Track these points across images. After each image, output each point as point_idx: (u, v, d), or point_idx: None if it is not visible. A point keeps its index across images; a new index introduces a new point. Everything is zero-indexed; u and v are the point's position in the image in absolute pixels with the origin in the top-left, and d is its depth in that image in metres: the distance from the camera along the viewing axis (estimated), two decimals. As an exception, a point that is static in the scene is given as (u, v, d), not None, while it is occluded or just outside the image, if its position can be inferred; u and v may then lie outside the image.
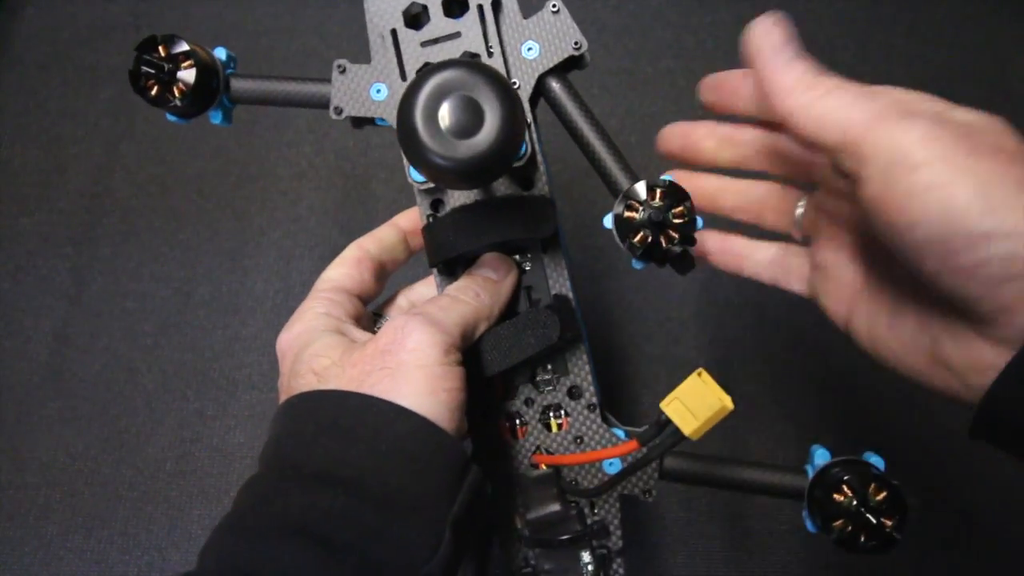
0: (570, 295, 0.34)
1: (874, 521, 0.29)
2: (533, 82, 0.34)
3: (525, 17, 0.34)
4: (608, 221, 0.30)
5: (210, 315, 0.58)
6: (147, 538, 0.52)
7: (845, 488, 0.30)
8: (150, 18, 0.68)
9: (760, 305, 0.55)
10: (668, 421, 0.29)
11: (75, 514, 0.53)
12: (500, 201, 0.33)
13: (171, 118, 0.36)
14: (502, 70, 0.33)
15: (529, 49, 0.34)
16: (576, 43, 0.33)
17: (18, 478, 0.54)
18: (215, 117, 0.37)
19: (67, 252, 0.61)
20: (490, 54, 0.34)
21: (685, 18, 0.64)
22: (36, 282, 0.60)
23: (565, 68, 0.34)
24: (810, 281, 0.35)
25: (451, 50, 0.34)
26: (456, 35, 0.34)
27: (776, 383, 0.53)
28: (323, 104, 0.36)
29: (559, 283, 0.35)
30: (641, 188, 0.29)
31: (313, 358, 0.29)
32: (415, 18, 0.35)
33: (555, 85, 0.34)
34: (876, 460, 0.31)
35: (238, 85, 0.37)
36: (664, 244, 0.29)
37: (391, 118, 0.34)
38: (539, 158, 0.34)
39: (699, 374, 0.29)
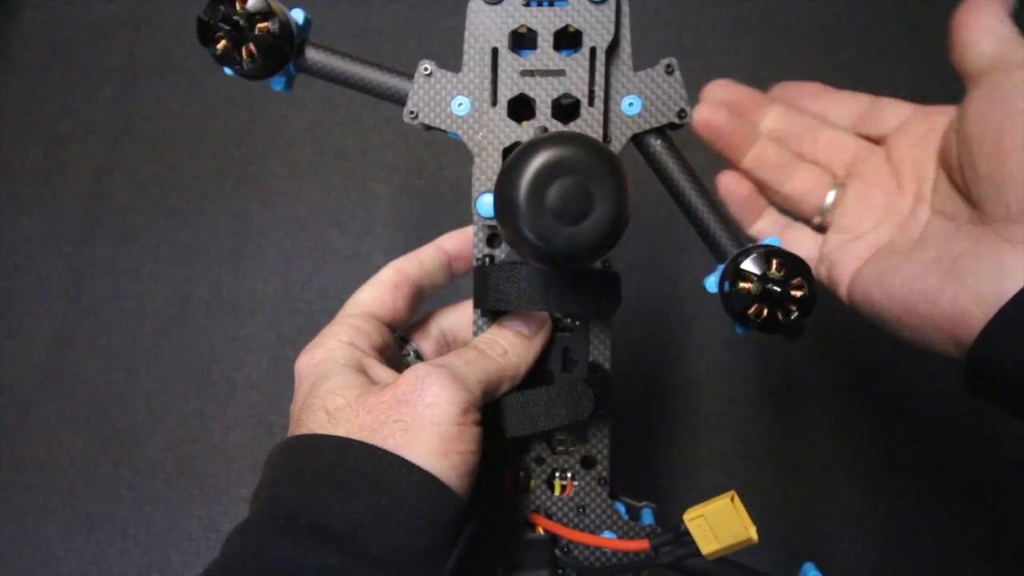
0: (607, 365, 0.32)
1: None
2: (625, 140, 0.32)
3: (635, 69, 0.32)
4: (711, 285, 0.29)
5: (210, 315, 0.58)
6: (147, 538, 0.52)
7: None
8: (150, 18, 0.68)
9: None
10: (686, 533, 0.28)
11: (75, 514, 0.53)
12: (551, 274, 0.30)
13: (228, 72, 0.34)
14: (599, 122, 0.31)
15: (631, 104, 0.32)
16: (681, 111, 0.31)
17: (18, 478, 0.54)
18: (276, 83, 0.34)
19: (67, 252, 0.61)
20: (591, 101, 0.31)
21: (685, 18, 0.64)
22: (36, 282, 0.60)
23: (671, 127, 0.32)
24: (824, 246, 0.35)
25: (551, 88, 0.31)
26: (560, 73, 0.31)
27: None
28: (398, 100, 0.33)
29: (600, 352, 0.32)
30: (755, 262, 0.28)
31: (328, 395, 0.28)
32: (519, 40, 0.32)
33: (655, 143, 0.32)
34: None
35: (312, 56, 0.34)
36: (781, 318, 0.28)
37: (467, 136, 0.33)
38: None
39: (731, 499, 0.28)
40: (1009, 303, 0.25)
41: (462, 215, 0.63)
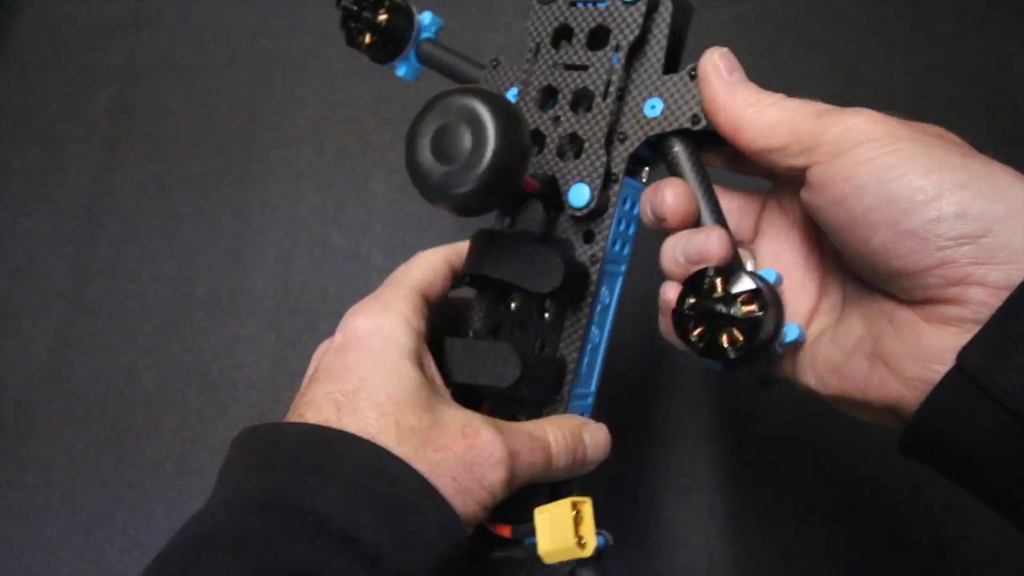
0: (571, 364, 0.32)
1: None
2: (640, 140, 0.32)
3: (673, 71, 0.32)
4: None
5: (210, 315, 0.58)
6: (147, 538, 0.52)
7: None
8: (150, 17, 0.68)
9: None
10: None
11: (75, 514, 0.53)
12: (517, 241, 0.32)
13: (365, 54, 0.38)
14: (607, 116, 0.32)
15: (652, 106, 0.32)
16: (695, 117, 0.31)
17: (18, 478, 0.54)
18: (399, 69, 0.38)
19: (67, 252, 0.61)
20: (604, 96, 0.32)
21: (685, 18, 0.64)
22: (36, 282, 0.60)
23: (694, 139, 0.32)
24: None
25: (572, 80, 0.33)
26: (584, 67, 0.33)
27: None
28: None
29: (569, 347, 0.33)
30: (699, 276, 0.27)
31: (402, 408, 0.27)
32: (559, 36, 0.35)
33: (674, 147, 0.32)
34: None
35: (426, 48, 0.38)
36: (724, 343, 0.26)
37: None
38: (611, 221, 0.33)
39: (572, 504, 0.26)
40: (938, 386, 0.24)
41: (462, 216, 0.62)
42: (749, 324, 0.26)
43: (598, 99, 0.33)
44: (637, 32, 0.32)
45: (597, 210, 0.32)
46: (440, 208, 0.26)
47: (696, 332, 0.27)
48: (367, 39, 0.37)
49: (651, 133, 0.32)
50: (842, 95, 0.62)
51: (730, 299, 0.26)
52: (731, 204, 0.33)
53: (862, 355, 0.27)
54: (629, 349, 0.54)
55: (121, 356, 0.57)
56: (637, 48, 0.33)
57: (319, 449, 0.26)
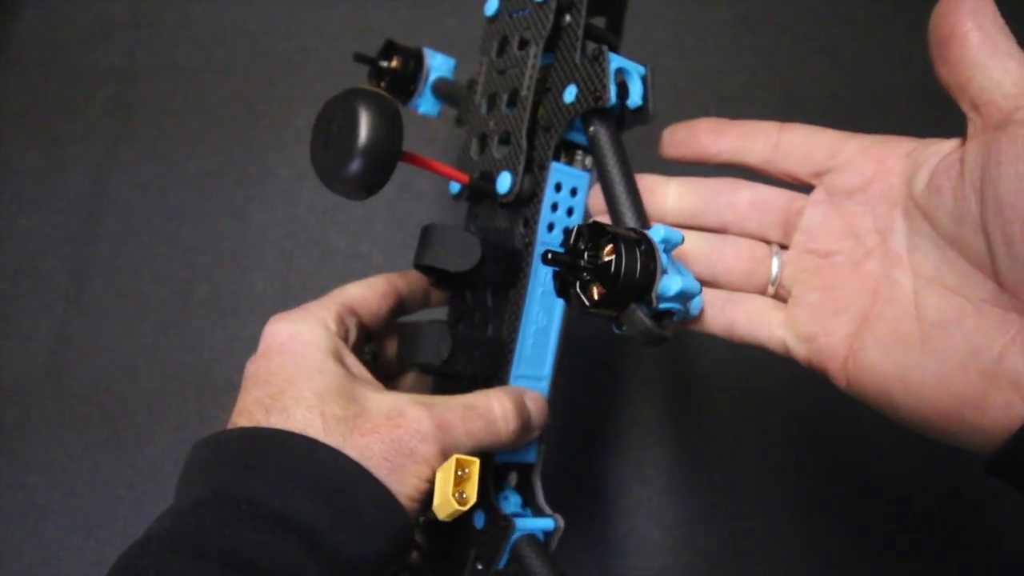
0: (509, 344, 0.34)
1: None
2: (563, 127, 0.34)
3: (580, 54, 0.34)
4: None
5: (210, 315, 0.58)
6: (147, 538, 0.52)
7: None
8: (150, 18, 0.68)
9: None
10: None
11: (75, 514, 0.53)
12: (439, 230, 0.34)
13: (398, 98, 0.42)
14: (528, 109, 0.35)
15: (569, 93, 0.34)
16: (605, 97, 0.32)
17: (18, 478, 0.54)
18: (419, 107, 0.43)
19: (67, 252, 0.61)
20: (527, 91, 0.35)
21: (685, 18, 0.64)
22: (36, 282, 0.60)
23: (614, 119, 0.33)
24: (795, 324, 0.30)
25: (502, 82, 0.37)
26: (512, 68, 0.36)
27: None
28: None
29: (509, 328, 0.34)
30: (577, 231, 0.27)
31: (327, 399, 0.28)
32: (502, 47, 0.38)
33: (592, 128, 0.33)
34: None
35: (440, 86, 0.42)
36: (576, 286, 0.27)
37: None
38: (540, 206, 0.34)
39: (459, 462, 0.28)
40: None
41: (462, 216, 0.63)
42: (605, 271, 0.26)
43: (523, 94, 0.35)
44: (547, 29, 0.34)
45: (525, 196, 0.34)
46: (339, 193, 0.30)
47: (561, 282, 0.27)
48: (383, 85, 0.41)
49: (568, 117, 0.33)
50: (842, 95, 0.62)
51: (593, 248, 0.26)
52: (773, 195, 0.32)
53: (977, 371, 0.25)
54: (629, 349, 0.54)
55: (121, 356, 0.57)
56: (553, 42, 0.35)
57: (251, 448, 0.27)
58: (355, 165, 0.28)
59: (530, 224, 0.34)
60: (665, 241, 0.27)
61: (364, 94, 0.29)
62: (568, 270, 0.27)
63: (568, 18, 0.34)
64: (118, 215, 0.61)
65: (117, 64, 0.66)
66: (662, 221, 0.33)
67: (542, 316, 0.35)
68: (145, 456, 0.54)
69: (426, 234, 0.34)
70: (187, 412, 0.55)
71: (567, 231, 0.28)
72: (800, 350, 0.30)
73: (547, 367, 0.36)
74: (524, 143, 0.34)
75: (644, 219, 0.31)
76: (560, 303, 0.35)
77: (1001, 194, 0.24)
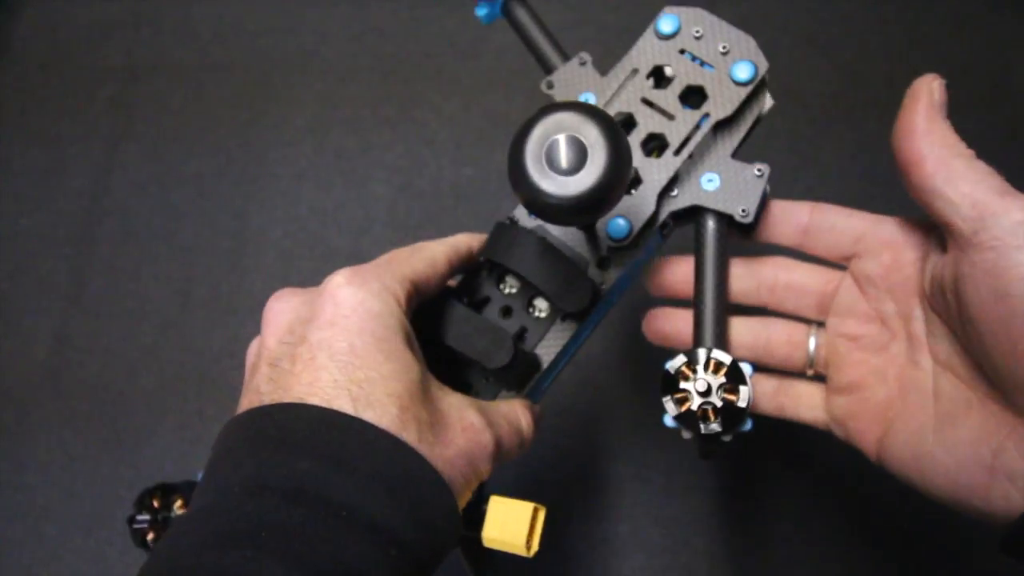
0: (544, 366, 0.34)
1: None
2: (686, 204, 0.34)
3: (734, 155, 0.34)
4: (668, 365, 0.31)
5: (210, 315, 0.58)
6: (147, 538, 0.52)
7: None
8: (150, 18, 0.68)
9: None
10: (484, 510, 0.29)
11: (75, 514, 0.53)
12: (555, 251, 0.32)
13: None
14: (670, 172, 0.33)
15: (710, 180, 0.33)
16: (744, 211, 0.33)
17: (18, 478, 0.54)
18: (480, 8, 0.38)
19: (67, 252, 0.61)
20: (676, 152, 0.34)
21: (685, 18, 0.64)
22: (36, 282, 0.60)
23: (730, 223, 0.33)
24: (831, 407, 0.33)
25: (654, 123, 0.34)
26: (671, 116, 0.34)
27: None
28: (546, 68, 0.37)
29: (548, 351, 0.34)
30: (702, 353, 0.30)
31: (416, 403, 0.26)
32: (660, 78, 0.35)
33: (710, 223, 0.33)
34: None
35: (514, 8, 0.37)
36: (701, 418, 0.29)
37: None
38: (631, 261, 0.34)
39: (535, 509, 0.29)
40: None
41: (462, 215, 0.63)
42: (729, 411, 0.29)
43: (670, 151, 0.33)
44: (732, 112, 0.33)
45: (627, 247, 0.34)
46: (536, 214, 0.28)
47: (684, 406, 0.30)
48: None
49: (699, 203, 0.33)
50: (842, 95, 0.62)
51: (721, 385, 0.29)
52: (808, 277, 0.34)
53: (979, 464, 0.27)
54: (629, 351, 0.54)
55: (121, 356, 0.57)
56: (723, 123, 0.34)
57: (342, 440, 0.24)
58: (581, 199, 0.26)
59: (610, 269, 0.34)
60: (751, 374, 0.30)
61: (611, 127, 0.26)
62: (696, 397, 0.29)
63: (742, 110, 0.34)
64: (118, 215, 0.61)
65: (117, 64, 0.66)
66: None
67: (572, 346, 0.35)
68: (145, 456, 0.54)
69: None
70: (187, 412, 0.55)
71: (720, 363, 0.30)
72: (838, 431, 0.33)
73: (548, 383, 0.36)
74: (654, 204, 0.33)
75: (727, 342, 0.32)
76: (586, 335, 0.35)
77: (970, 311, 0.26)
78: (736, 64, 0.33)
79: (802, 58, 0.62)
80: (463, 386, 0.34)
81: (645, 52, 0.35)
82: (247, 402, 0.26)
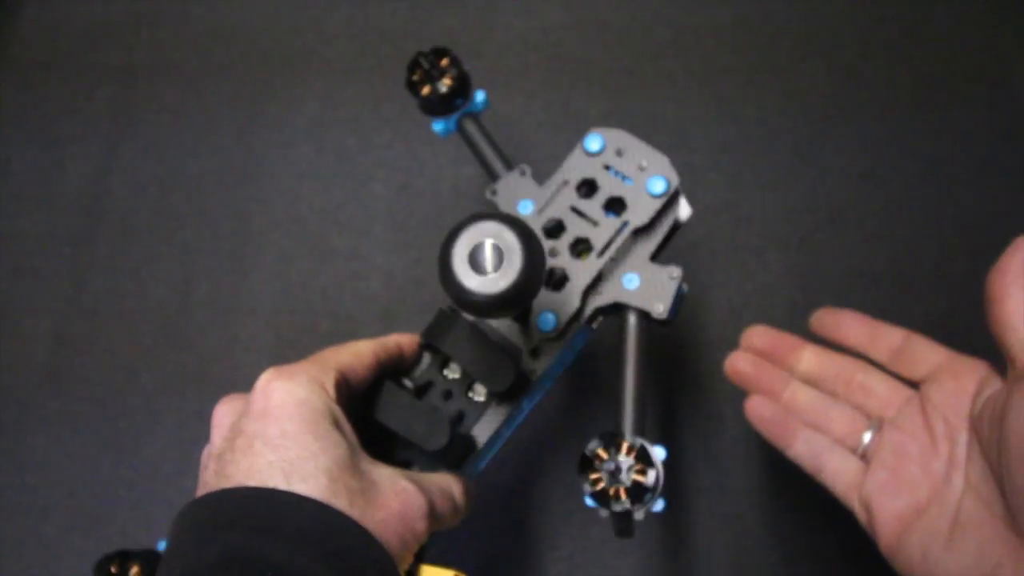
0: (479, 447, 0.37)
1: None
2: (609, 301, 0.38)
3: (654, 258, 0.38)
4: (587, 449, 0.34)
5: (210, 315, 0.58)
6: (147, 538, 0.52)
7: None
8: (150, 18, 0.68)
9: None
10: None
11: (75, 514, 0.53)
12: (484, 336, 0.36)
13: (415, 99, 0.43)
14: (592, 273, 0.38)
15: (630, 279, 0.38)
16: (661, 311, 0.37)
17: (18, 478, 0.54)
18: (437, 124, 0.44)
19: (67, 252, 0.61)
20: (599, 254, 0.38)
21: (685, 18, 0.64)
22: (36, 282, 0.60)
23: (648, 318, 0.38)
24: (864, 495, 0.37)
25: (580, 228, 0.39)
26: (594, 223, 0.39)
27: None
28: (491, 176, 0.42)
29: (482, 432, 0.37)
30: (616, 437, 0.34)
31: (345, 473, 0.28)
32: (589, 188, 0.40)
33: (631, 318, 0.38)
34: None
35: (467, 124, 0.43)
36: (613, 497, 0.32)
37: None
38: (560, 351, 0.38)
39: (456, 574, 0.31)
40: None
41: (462, 215, 0.63)
42: (637, 490, 0.32)
43: (593, 254, 0.38)
44: (648, 221, 0.38)
45: (554, 338, 0.38)
46: (463, 308, 0.31)
47: (598, 485, 0.33)
48: (424, 91, 0.41)
49: (620, 300, 0.38)
50: (842, 95, 0.62)
51: (631, 466, 0.33)
52: (882, 385, 0.39)
53: (977, 574, 0.31)
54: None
55: (121, 356, 0.57)
56: (641, 230, 0.38)
57: (275, 510, 0.27)
58: (501, 296, 0.29)
59: (541, 358, 0.38)
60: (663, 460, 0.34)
61: (527, 236, 0.30)
62: (608, 478, 0.33)
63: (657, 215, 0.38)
64: (118, 215, 0.61)
65: (117, 64, 0.66)
66: (791, 376, 0.41)
67: (507, 430, 0.38)
68: (145, 456, 0.54)
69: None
70: (187, 412, 0.55)
71: (616, 441, 0.33)
72: (862, 515, 0.37)
73: (484, 463, 0.39)
74: (579, 301, 0.38)
75: (644, 429, 0.36)
76: (521, 418, 0.39)
77: (1006, 431, 0.30)
78: (651, 179, 0.38)
79: (802, 58, 0.62)
80: (403, 463, 0.36)
81: (574, 167, 0.40)
82: (197, 495, 0.29)
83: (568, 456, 0.52)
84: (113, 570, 0.41)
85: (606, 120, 0.60)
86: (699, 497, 0.51)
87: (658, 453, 0.34)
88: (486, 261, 0.29)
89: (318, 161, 0.62)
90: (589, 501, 0.33)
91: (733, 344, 0.43)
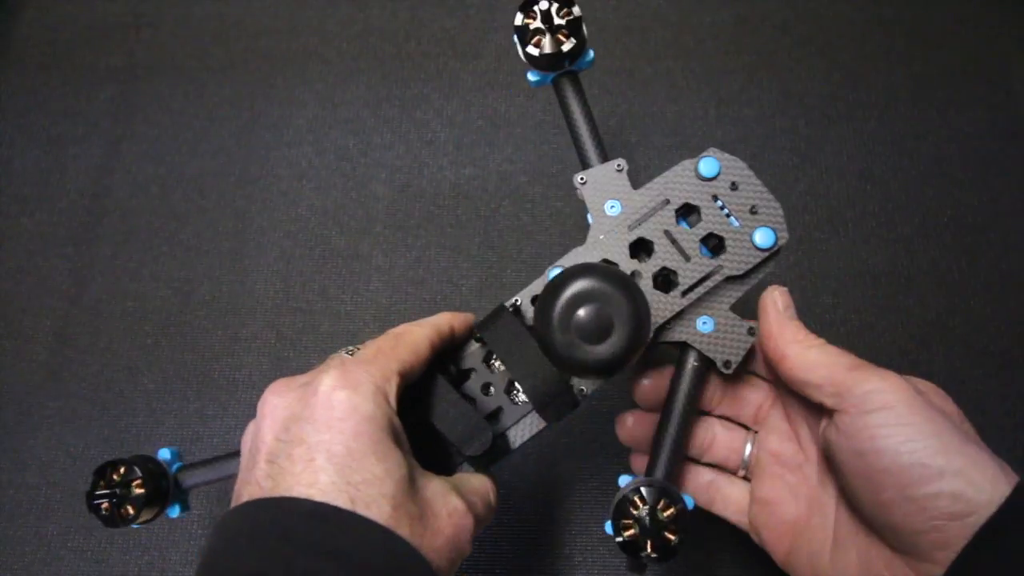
0: (512, 449, 0.36)
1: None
2: (677, 339, 0.36)
3: (731, 308, 0.36)
4: (621, 481, 0.34)
5: (210, 315, 0.58)
6: (147, 538, 0.52)
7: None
8: (150, 18, 0.68)
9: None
10: None
11: (75, 514, 0.53)
12: (539, 356, 0.34)
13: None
14: (673, 310, 0.35)
15: (704, 323, 0.35)
16: (727, 363, 0.35)
17: (18, 478, 0.54)
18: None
19: (67, 252, 0.61)
20: (683, 293, 0.35)
21: (685, 18, 0.64)
22: (36, 282, 0.60)
23: (709, 365, 0.36)
24: (750, 514, 0.38)
25: (670, 257, 0.35)
26: (686, 257, 0.35)
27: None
28: (583, 162, 0.39)
29: (516, 436, 0.36)
30: (655, 490, 0.33)
31: (407, 498, 0.28)
32: (687, 211, 0.36)
33: (691, 361, 0.36)
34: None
35: (563, 83, 0.38)
36: (640, 546, 0.32)
37: (595, 227, 0.36)
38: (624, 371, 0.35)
39: None
40: None
41: (462, 215, 0.63)
42: (666, 546, 0.32)
43: (677, 291, 0.35)
44: (744, 272, 0.35)
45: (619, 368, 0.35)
46: (579, 375, 0.31)
47: (628, 532, 0.33)
48: (534, 41, 0.36)
49: (687, 341, 0.35)
50: (842, 95, 0.62)
51: (662, 519, 0.33)
52: (744, 392, 0.39)
53: None
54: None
55: (121, 356, 0.57)
56: (733, 278, 0.35)
57: (342, 533, 0.26)
58: (608, 363, 0.28)
59: (595, 382, 0.35)
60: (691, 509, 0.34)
61: (635, 296, 0.29)
62: (641, 525, 0.33)
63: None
64: (118, 215, 0.61)
65: (117, 64, 0.66)
66: None
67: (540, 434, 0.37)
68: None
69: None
70: (187, 412, 0.55)
71: (656, 496, 0.33)
72: (754, 537, 0.38)
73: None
74: (650, 334, 0.34)
75: (677, 476, 0.36)
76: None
77: (841, 470, 0.32)
78: (760, 229, 0.35)
79: (802, 58, 0.62)
80: (436, 451, 0.35)
81: (680, 186, 0.36)
82: (247, 494, 0.28)
83: (568, 455, 0.52)
84: (115, 476, 0.40)
85: (606, 120, 0.60)
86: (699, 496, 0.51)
87: (689, 501, 0.34)
88: (593, 326, 0.28)
89: (318, 161, 0.62)
90: (610, 529, 0.33)
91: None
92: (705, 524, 0.42)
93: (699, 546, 0.49)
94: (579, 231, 0.57)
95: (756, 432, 0.39)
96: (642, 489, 0.33)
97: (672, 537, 0.32)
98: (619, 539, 0.32)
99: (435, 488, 0.30)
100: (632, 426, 0.40)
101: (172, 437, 0.55)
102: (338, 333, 0.56)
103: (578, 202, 0.37)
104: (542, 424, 0.35)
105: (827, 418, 0.32)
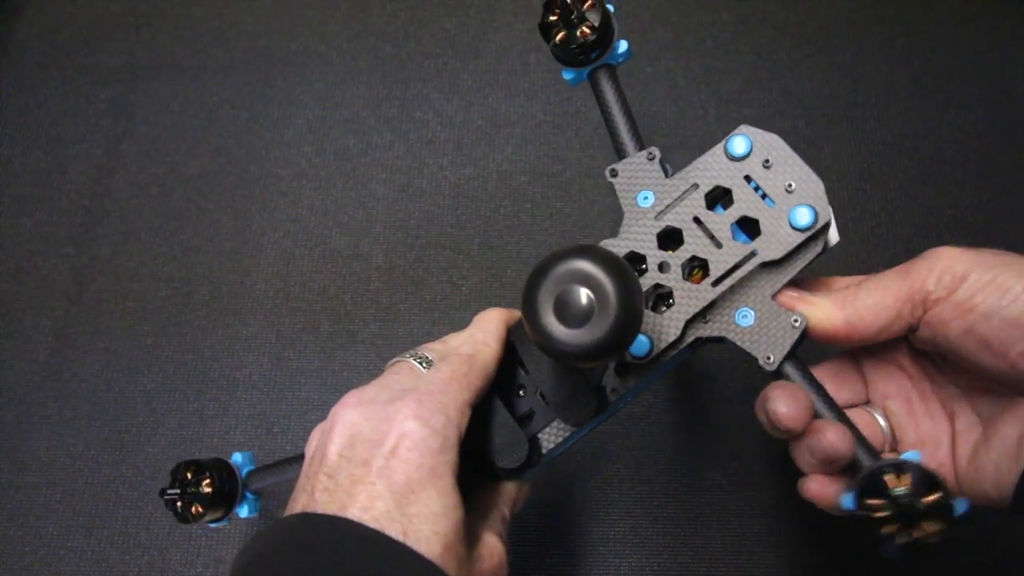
0: (543, 452, 0.34)
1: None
2: (714, 334, 0.33)
3: (774, 296, 0.32)
4: (848, 502, 0.29)
5: (210, 315, 0.58)
6: (147, 538, 0.52)
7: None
8: (150, 18, 0.68)
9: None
10: None
11: (75, 514, 0.53)
12: (562, 367, 0.32)
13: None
14: (705, 300, 0.32)
15: (744, 316, 0.33)
16: (769, 358, 0.32)
17: (18, 478, 0.54)
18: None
19: (67, 252, 0.61)
20: (715, 283, 0.32)
21: (685, 18, 0.64)
22: (36, 282, 0.60)
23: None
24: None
25: (701, 245, 0.33)
26: (718, 244, 0.33)
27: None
28: (619, 152, 0.37)
29: (548, 440, 0.34)
30: (875, 479, 0.28)
31: (458, 540, 0.28)
32: (722, 196, 0.34)
33: (793, 371, 0.33)
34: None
35: (599, 76, 0.37)
36: (921, 535, 0.28)
37: (628, 217, 0.35)
38: (647, 377, 0.34)
39: None
40: None
41: (462, 216, 0.63)
42: (942, 510, 0.27)
43: (709, 280, 0.32)
44: (782, 255, 0.32)
45: (647, 365, 0.33)
46: (563, 362, 0.28)
47: (889, 531, 0.28)
48: (558, 37, 0.34)
49: (727, 336, 0.33)
50: (842, 95, 0.62)
51: (912, 494, 0.28)
52: (831, 371, 0.36)
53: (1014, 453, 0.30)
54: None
55: (121, 356, 0.57)
56: (771, 264, 0.32)
57: (387, 563, 0.26)
58: (599, 345, 0.25)
59: (627, 379, 0.33)
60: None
61: (624, 278, 0.26)
62: (898, 518, 0.28)
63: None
64: (118, 215, 0.61)
65: (117, 64, 0.66)
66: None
67: (571, 442, 0.36)
68: (145, 456, 0.54)
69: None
70: (187, 412, 0.55)
71: (871, 476, 0.28)
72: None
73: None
74: (681, 328, 0.32)
75: (868, 444, 0.33)
76: (588, 430, 0.36)
77: (953, 343, 0.31)
78: (797, 208, 0.32)
79: (802, 58, 0.62)
80: (473, 452, 0.33)
81: (710, 168, 0.33)
82: (301, 504, 0.28)
83: (568, 455, 0.52)
84: (188, 476, 0.42)
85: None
86: (699, 496, 0.51)
87: (914, 457, 0.30)
88: (575, 310, 0.25)
89: (318, 161, 0.62)
90: (849, 504, 0.29)
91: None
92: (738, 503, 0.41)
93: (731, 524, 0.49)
94: (580, 231, 0.57)
95: (882, 405, 0.37)
96: (874, 478, 0.28)
97: (933, 496, 0.27)
98: (889, 552, 0.28)
99: (482, 530, 0.31)
100: (819, 489, 0.36)
101: (172, 437, 0.55)
102: (338, 333, 0.56)
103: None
104: (570, 429, 0.34)
105: (921, 328, 0.31)
